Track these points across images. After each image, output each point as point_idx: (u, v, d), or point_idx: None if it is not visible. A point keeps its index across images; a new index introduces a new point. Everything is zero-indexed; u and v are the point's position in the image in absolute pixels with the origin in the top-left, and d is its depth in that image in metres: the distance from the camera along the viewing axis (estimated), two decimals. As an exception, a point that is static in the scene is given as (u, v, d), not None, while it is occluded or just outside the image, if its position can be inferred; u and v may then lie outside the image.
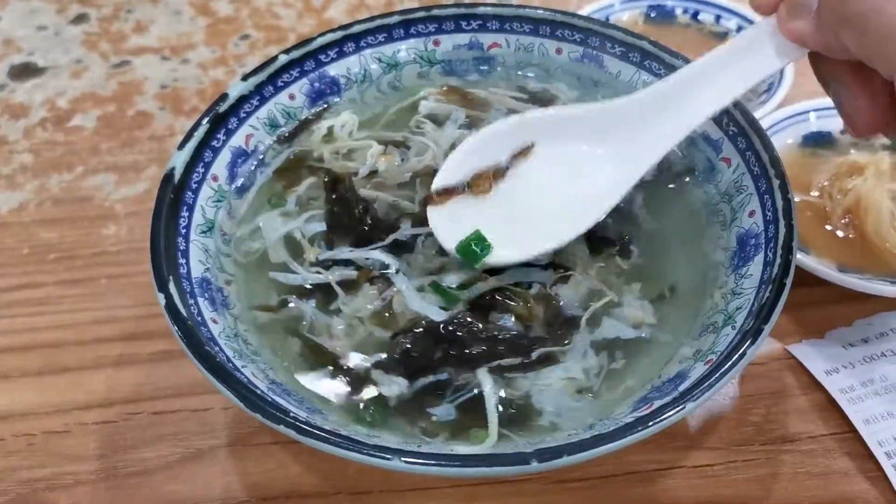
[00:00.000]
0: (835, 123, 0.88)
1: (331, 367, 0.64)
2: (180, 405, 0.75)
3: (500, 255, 0.67)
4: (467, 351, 0.63)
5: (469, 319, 0.64)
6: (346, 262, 0.70)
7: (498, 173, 0.70)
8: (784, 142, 0.86)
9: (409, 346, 0.64)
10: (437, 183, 0.70)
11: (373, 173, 0.76)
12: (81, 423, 0.75)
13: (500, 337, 0.64)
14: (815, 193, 0.84)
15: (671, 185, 0.75)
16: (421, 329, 0.64)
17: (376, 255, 0.69)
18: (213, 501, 0.70)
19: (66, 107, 1.05)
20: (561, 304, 0.66)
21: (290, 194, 0.75)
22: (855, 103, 0.60)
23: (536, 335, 0.65)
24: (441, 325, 0.64)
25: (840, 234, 0.82)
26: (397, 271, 0.68)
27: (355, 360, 0.65)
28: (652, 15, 1.07)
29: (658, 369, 0.62)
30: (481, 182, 0.70)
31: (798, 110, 0.89)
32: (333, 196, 0.74)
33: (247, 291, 0.69)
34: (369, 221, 0.71)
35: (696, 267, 0.69)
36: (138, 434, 0.74)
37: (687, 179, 0.75)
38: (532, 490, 0.69)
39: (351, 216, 0.72)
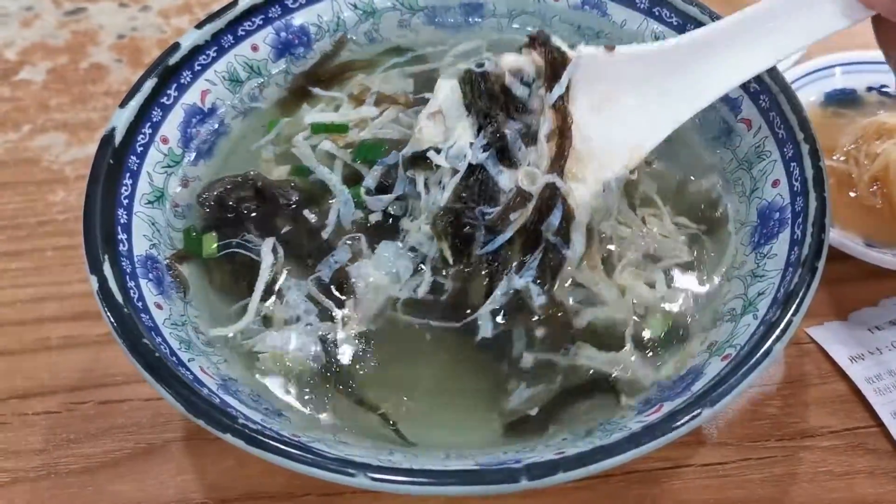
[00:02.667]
0: (861, 80, 0.79)
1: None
2: (131, 394, 0.68)
3: None
4: None
5: None
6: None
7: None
8: (805, 100, 0.76)
9: None
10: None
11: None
12: (20, 413, 0.68)
13: None
14: (839, 157, 0.76)
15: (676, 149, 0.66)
16: None
17: None
18: (165, 503, 0.62)
19: (13, 58, 0.96)
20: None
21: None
22: None
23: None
24: None
25: (866, 203, 0.74)
26: None
27: None
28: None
29: None
30: None
31: (821, 65, 0.80)
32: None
33: (202, 273, 0.61)
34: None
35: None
36: (83, 426, 0.67)
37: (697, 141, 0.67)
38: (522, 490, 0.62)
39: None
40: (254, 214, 0.64)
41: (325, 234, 0.62)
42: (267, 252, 0.61)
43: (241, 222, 0.63)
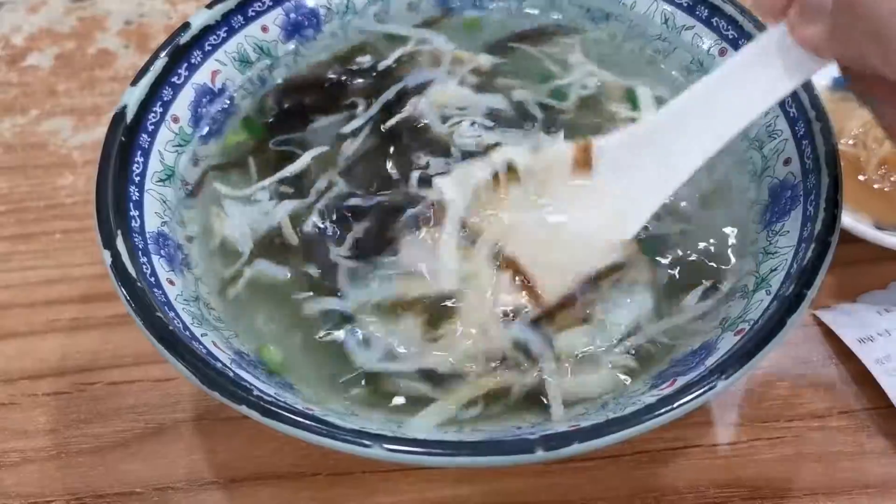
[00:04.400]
0: (870, 64, 0.79)
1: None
2: (140, 374, 0.68)
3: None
4: None
5: None
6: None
7: None
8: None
9: None
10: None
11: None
12: (30, 394, 0.68)
13: None
14: (847, 141, 0.76)
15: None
16: None
17: None
18: (175, 483, 0.63)
19: (20, 44, 0.95)
20: None
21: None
22: (886, 120, 0.50)
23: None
24: None
25: (875, 186, 0.74)
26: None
27: None
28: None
29: None
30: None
31: (830, 49, 0.79)
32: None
33: (210, 251, 0.61)
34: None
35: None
36: (93, 407, 0.67)
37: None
38: (529, 470, 0.62)
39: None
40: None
41: None
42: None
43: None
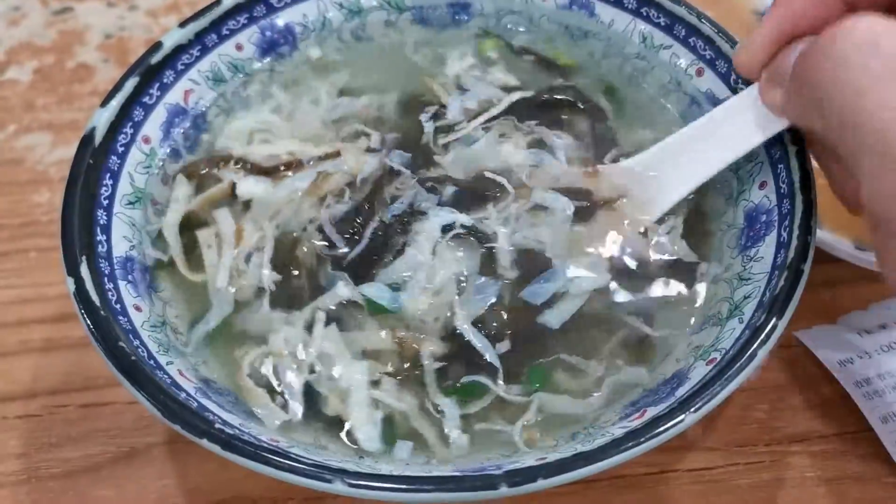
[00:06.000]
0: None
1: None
2: (113, 397, 0.67)
3: None
4: None
5: None
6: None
7: None
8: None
9: None
10: None
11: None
12: (1, 416, 0.67)
13: None
14: (829, 160, 0.75)
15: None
16: None
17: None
18: (146, 508, 0.62)
19: (0, 58, 0.95)
20: None
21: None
22: (842, 182, 0.54)
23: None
24: None
25: (857, 206, 0.73)
26: None
27: None
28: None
29: None
30: None
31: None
32: None
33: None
34: None
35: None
36: (65, 430, 0.66)
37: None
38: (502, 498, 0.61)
39: None
40: None
41: None
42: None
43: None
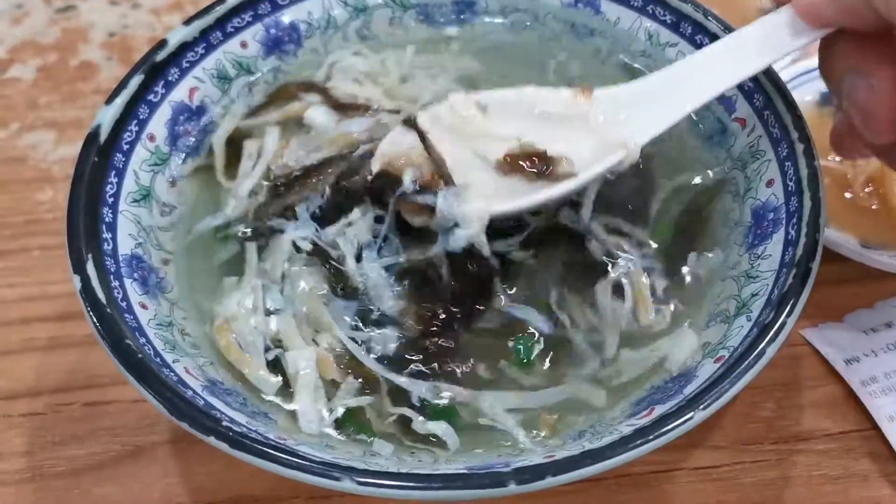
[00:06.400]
0: (858, 79, 0.78)
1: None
2: (117, 395, 0.67)
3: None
4: None
5: None
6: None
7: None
8: (801, 99, 0.76)
9: None
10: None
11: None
12: (5, 415, 0.67)
13: None
14: (834, 158, 0.75)
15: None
16: None
17: None
18: (150, 506, 0.62)
19: (2, 56, 0.94)
20: None
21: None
22: (875, 94, 0.50)
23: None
24: None
25: (862, 204, 0.73)
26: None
27: None
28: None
29: None
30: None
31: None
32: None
33: (188, 273, 0.60)
34: None
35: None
36: (69, 428, 0.66)
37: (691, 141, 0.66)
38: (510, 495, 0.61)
39: None
40: None
41: None
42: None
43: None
